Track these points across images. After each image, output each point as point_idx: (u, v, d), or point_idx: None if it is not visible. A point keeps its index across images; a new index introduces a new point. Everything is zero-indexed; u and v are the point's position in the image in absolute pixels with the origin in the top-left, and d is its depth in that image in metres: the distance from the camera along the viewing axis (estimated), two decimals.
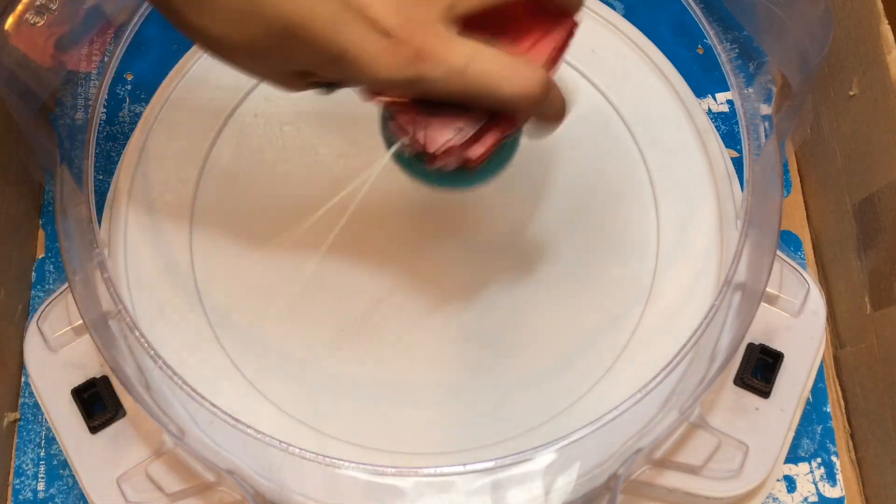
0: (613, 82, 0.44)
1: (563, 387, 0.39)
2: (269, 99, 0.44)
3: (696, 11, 0.41)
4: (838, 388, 0.46)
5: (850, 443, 0.45)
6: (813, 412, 0.45)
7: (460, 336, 0.40)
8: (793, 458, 0.44)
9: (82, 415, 0.39)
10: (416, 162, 0.34)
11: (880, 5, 0.43)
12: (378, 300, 0.41)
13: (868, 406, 0.44)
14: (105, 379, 0.39)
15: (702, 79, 0.49)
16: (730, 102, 0.50)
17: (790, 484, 0.44)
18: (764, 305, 0.40)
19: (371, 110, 0.44)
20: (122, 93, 0.49)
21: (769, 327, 0.40)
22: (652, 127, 0.43)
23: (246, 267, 0.41)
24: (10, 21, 0.40)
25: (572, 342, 0.40)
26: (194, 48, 0.44)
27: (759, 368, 0.40)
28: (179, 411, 0.38)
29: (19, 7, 0.40)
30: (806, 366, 0.40)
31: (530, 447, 0.35)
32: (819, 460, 0.44)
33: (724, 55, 0.40)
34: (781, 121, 0.42)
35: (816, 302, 0.41)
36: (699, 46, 0.50)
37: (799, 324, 0.40)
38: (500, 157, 0.35)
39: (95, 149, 0.39)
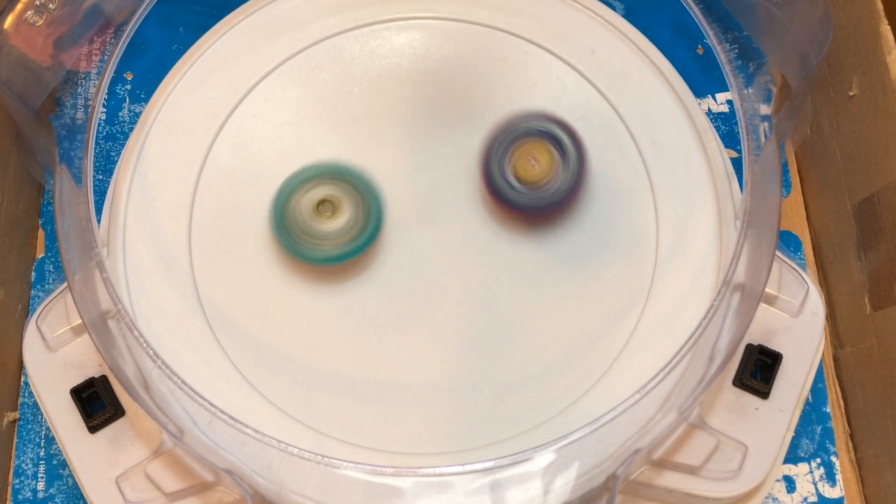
0: (613, 82, 0.44)
1: (561, 387, 0.39)
2: (269, 99, 0.44)
3: (696, 12, 0.41)
4: (838, 388, 0.46)
5: (850, 443, 0.45)
6: (812, 412, 0.45)
7: (459, 336, 0.40)
8: (792, 458, 0.44)
9: (81, 414, 0.39)
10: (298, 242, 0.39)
11: (880, 5, 0.43)
12: (378, 300, 0.41)
13: (868, 406, 0.44)
14: (104, 379, 0.39)
15: (701, 79, 0.49)
16: (729, 103, 0.50)
17: (790, 484, 0.44)
18: (763, 306, 0.40)
19: (370, 110, 0.44)
20: (121, 92, 0.49)
21: (768, 328, 0.40)
22: (651, 127, 0.43)
23: (245, 267, 0.41)
24: (9, 20, 0.40)
25: (571, 342, 0.40)
26: (194, 47, 0.44)
27: (758, 369, 0.40)
28: (178, 411, 0.38)
29: (18, 6, 0.40)
30: (805, 366, 0.40)
31: (529, 447, 0.35)
32: (818, 461, 0.44)
33: (723, 55, 0.40)
34: (781, 121, 0.42)
35: (815, 302, 0.41)
36: (699, 47, 0.50)
37: (798, 324, 0.40)
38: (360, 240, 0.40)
39: (95, 148, 0.39)
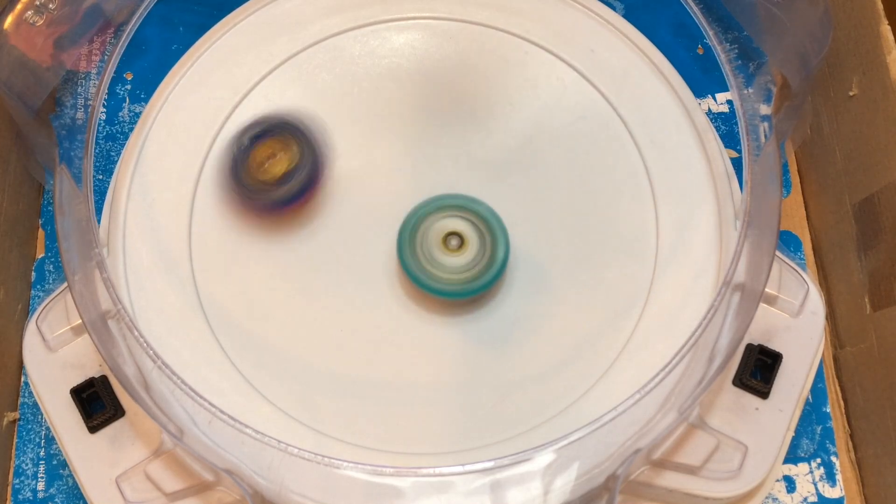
0: (613, 82, 0.44)
1: (561, 387, 0.39)
2: (268, 99, 0.44)
3: (696, 12, 0.41)
4: (838, 388, 0.46)
5: (850, 443, 0.45)
6: (812, 412, 0.45)
7: (459, 335, 0.40)
8: (792, 458, 0.44)
9: (81, 414, 0.39)
10: (424, 276, 0.39)
11: (880, 5, 0.43)
12: (377, 300, 0.41)
13: (868, 406, 0.44)
14: (104, 379, 0.39)
15: (701, 79, 0.49)
16: (729, 103, 0.50)
17: (790, 484, 0.44)
18: (763, 306, 0.40)
19: (370, 110, 0.44)
20: (121, 92, 0.49)
21: (768, 328, 0.40)
22: (651, 127, 0.43)
23: (245, 267, 0.41)
24: (9, 20, 0.40)
25: (571, 342, 0.40)
26: (194, 48, 0.44)
27: (758, 369, 0.40)
28: (178, 411, 0.38)
29: (18, 6, 0.40)
30: (805, 366, 0.40)
31: (529, 447, 0.35)
32: (819, 461, 0.44)
33: (723, 55, 0.40)
34: (781, 121, 0.42)
35: (815, 302, 0.41)
36: (699, 47, 0.50)
37: (798, 324, 0.40)
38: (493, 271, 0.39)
39: (95, 148, 0.39)
